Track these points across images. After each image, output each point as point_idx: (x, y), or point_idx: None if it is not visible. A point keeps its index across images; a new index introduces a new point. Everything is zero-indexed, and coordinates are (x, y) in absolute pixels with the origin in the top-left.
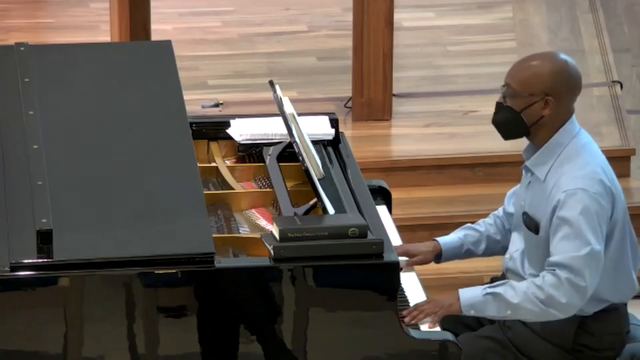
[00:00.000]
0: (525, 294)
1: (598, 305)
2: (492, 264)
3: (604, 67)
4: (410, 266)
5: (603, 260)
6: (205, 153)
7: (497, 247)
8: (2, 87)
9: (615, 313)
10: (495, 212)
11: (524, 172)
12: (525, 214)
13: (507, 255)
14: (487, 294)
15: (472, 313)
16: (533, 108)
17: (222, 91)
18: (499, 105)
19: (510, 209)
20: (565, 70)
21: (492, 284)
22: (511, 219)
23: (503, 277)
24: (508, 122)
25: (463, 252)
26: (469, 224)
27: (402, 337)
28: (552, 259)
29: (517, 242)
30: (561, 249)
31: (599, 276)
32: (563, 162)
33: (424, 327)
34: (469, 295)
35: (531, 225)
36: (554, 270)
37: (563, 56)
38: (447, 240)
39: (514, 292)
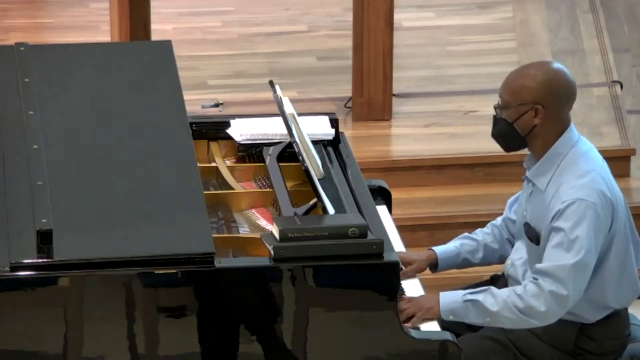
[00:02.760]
0: (505, 303)
1: (602, 312)
2: (492, 264)
3: (604, 67)
4: (404, 276)
5: (591, 271)
6: (205, 153)
7: (495, 256)
8: (2, 87)
9: (616, 318)
10: (494, 222)
11: (525, 182)
12: (526, 224)
13: (508, 261)
14: (467, 300)
15: (451, 318)
16: (524, 118)
17: (222, 91)
18: (494, 118)
19: (513, 216)
20: (555, 80)
21: (473, 290)
22: (512, 226)
23: (503, 276)
24: (504, 133)
25: (460, 261)
26: (465, 234)
27: (402, 337)
28: (539, 265)
29: (520, 250)
30: (550, 257)
31: (584, 287)
32: (563, 172)
33: (424, 327)
34: (448, 300)
35: (532, 236)
36: (537, 279)
37: (556, 65)
38: (443, 249)
39: (493, 300)
